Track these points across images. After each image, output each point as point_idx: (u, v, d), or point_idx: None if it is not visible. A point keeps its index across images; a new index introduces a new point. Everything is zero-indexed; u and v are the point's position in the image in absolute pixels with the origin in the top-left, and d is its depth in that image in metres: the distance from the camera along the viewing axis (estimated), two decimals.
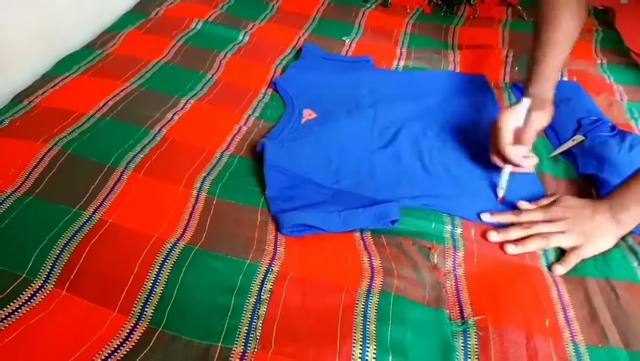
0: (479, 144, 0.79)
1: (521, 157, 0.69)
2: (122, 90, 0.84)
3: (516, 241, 0.62)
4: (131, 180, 0.67)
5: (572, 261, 0.60)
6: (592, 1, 1.29)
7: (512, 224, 0.65)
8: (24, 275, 0.54)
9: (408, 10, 1.27)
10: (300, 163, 0.72)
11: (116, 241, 0.59)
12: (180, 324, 0.51)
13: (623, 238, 0.62)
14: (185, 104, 0.84)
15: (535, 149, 0.79)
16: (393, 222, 0.62)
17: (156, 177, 0.68)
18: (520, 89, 0.94)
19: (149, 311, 0.52)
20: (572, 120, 0.82)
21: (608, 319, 0.54)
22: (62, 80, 0.85)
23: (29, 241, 0.57)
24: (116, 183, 0.66)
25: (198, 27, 1.07)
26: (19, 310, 0.51)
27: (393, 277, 0.57)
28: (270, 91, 0.91)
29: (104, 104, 0.80)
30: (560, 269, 0.59)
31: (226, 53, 1.00)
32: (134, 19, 1.07)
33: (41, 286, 0.53)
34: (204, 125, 0.80)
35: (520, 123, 0.71)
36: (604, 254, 0.61)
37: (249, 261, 0.58)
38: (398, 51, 1.08)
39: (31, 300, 0.52)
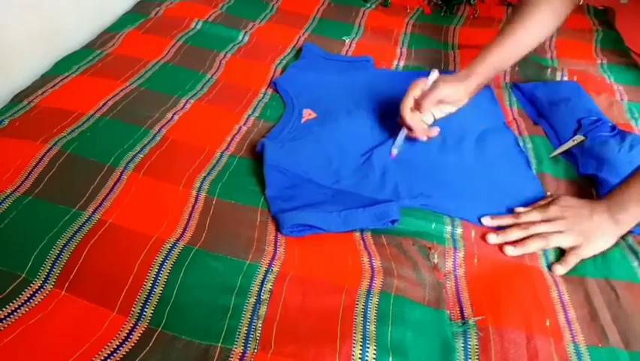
0: (478, 144, 0.79)
1: (417, 122, 0.74)
2: (121, 90, 0.84)
3: (515, 242, 0.62)
4: (130, 180, 0.67)
5: (571, 261, 0.60)
6: (592, 1, 1.29)
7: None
8: (23, 275, 0.54)
9: (408, 10, 1.27)
10: (300, 163, 0.72)
11: (115, 241, 0.58)
12: (180, 324, 0.51)
13: (623, 238, 0.62)
14: (184, 104, 0.84)
15: (535, 149, 0.79)
16: (393, 222, 0.62)
17: (156, 177, 0.68)
18: (521, 89, 0.94)
19: (149, 311, 0.52)
20: (572, 120, 0.82)
21: (608, 319, 0.54)
22: (62, 80, 0.85)
23: (29, 241, 0.57)
24: (115, 183, 0.66)
25: (198, 27, 1.07)
26: (19, 311, 0.50)
27: (393, 278, 0.57)
28: (269, 91, 0.91)
29: (104, 104, 0.80)
30: (560, 269, 0.59)
31: (226, 52, 1.00)
32: (133, 19, 1.07)
33: (41, 287, 0.53)
34: (204, 125, 0.80)
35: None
36: (604, 254, 0.61)
37: (248, 261, 0.58)
38: (398, 51, 1.08)
39: (31, 300, 0.52)
